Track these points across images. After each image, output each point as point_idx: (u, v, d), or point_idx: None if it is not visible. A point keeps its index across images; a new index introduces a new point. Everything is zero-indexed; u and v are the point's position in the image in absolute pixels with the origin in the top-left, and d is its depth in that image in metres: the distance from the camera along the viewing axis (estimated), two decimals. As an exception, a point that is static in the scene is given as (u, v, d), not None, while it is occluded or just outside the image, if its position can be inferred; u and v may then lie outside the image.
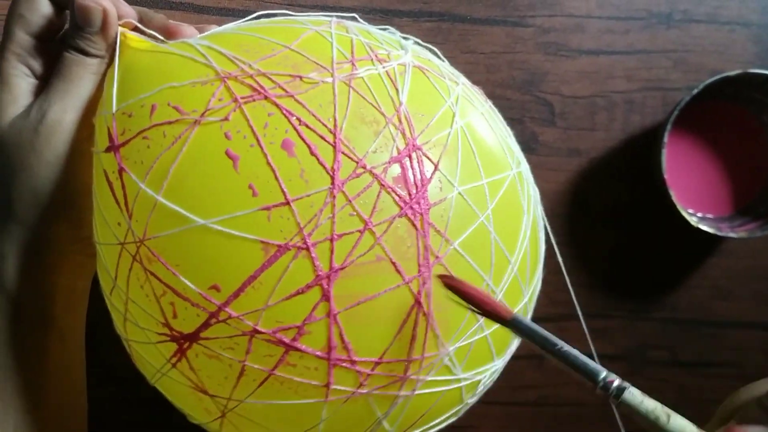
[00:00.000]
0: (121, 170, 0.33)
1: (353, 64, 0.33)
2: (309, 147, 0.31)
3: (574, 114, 0.55)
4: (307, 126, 0.31)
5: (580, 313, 0.43)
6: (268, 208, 0.30)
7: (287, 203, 0.30)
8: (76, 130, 0.36)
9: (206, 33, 0.36)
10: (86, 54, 0.36)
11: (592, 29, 0.55)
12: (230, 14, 0.51)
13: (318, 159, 0.31)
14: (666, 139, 0.50)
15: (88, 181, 0.36)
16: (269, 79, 0.32)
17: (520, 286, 0.36)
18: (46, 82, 0.37)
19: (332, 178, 0.30)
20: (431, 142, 0.33)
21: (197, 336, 0.32)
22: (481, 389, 0.37)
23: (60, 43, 0.37)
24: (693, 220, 0.51)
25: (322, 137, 0.31)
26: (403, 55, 0.35)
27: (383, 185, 0.31)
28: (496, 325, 0.35)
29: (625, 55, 0.55)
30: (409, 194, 0.31)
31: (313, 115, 0.31)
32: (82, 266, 0.39)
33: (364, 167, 0.31)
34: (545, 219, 0.41)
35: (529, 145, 0.54)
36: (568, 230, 0.55)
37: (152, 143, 0.32)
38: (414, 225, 0.31)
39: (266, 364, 0.31)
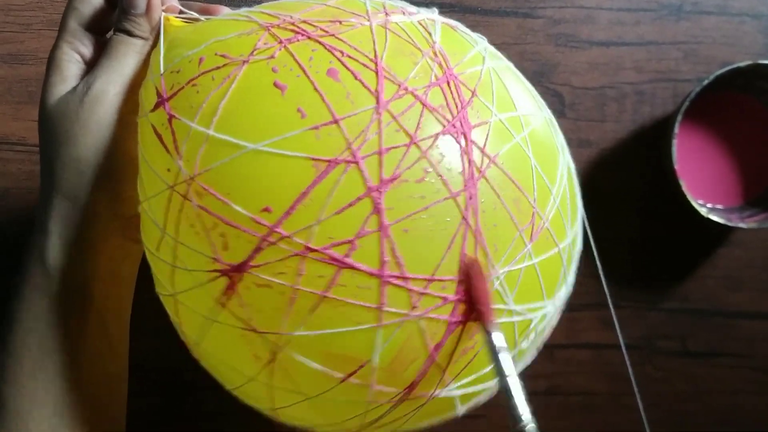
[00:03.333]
0: (171, 118, 0.34)
1: (387, 14, 0.36)
2: (353, 73, 0.32)
3: (584, 105, 0.56)
4: (350, 57, 0.33)
5: (610, 301, 0.43)
6: (317, 128, 0.31)
7: (335, 122, 0.31)
8: (119, 101, 0.38)
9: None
10: (131, 35, 0.38)
11: (602, 20, 0.56)
12: (245, 4, 0.53)
13: (362, 83, 0.32)
14: (676, 129, 0.51)
15: (129, 152, 0.37)
16: (310, 24, 0.34)
17: (562, 220, 0.36)
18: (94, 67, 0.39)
19: (377, 98, 0.32)
20: (466, 73, 0.34)
21: (247, 265, 0.32)
22: (532, 337, 0.36)
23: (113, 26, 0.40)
24: (703, 211, 0.51)
25: (364, 65, 0.33)
26: (432, 13, 0.38)
27: (425, 105, 0.32)
28: (543, 256, 0.35)
29: (636, 47, 0.56)
30: (451, 115, 0.33)
31: (355, 49, 0.33)
32: (124, 250, 0.40)
33: (406, 89, 0.32)
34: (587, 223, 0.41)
35: (539, 136, 0.55)
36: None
37: (201, 88, 0.33)
38: (458, 142, 0.32)
39: (318, 287, 0.31)
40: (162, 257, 0.35)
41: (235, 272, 0.32)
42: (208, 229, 0.32)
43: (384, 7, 0.36)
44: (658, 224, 0.57)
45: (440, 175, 0.32)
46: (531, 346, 0.37)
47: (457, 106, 0.33)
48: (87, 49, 0.40)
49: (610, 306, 0.42)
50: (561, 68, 0.56)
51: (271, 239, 0.31)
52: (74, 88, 0.38)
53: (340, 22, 0.34)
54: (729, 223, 0.52)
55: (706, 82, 0.51)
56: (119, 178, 0.38)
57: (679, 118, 0.51)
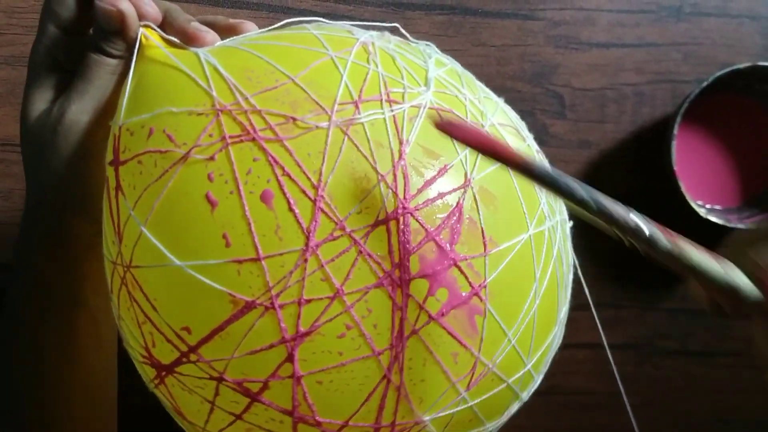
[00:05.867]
0: (117, 189, 0.32)
1: (357, 106, 0.30)
2: (288, 202, 0.29)
3: (584, 106, 0.55)
4: (289, 177, 0.29)
5: (591, 303, 0.42)
6: (239, 261, 0.29)
7: (258, 259, 0.29)
8: (92, 130, 0.36)
9: (223, 43, 0.35)
10: (107, 54, 0.35)
11: (602, 22, 0.56)
12: (269, 9, 0.49)
13: (295, 216, 0.29)
14: (676, 131, 0.51)
15: (103, 181, 0.36)
16: (262, 117, 0.30)
17: (520, 357, 0.33)
18: (72, 75, 0.37)
19: (307, 238, 0.29)
20: (428, 203, 0.30)
21: (172, 369, 0.32)
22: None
23: (88, 41, 0.37)
24: (702, 211, 0.52)
25: (303, 191, 0.29)
26: (423, 93, 0.32)
27: (361, 251, 0.29)
28: (485, 396, 0.32)
29: (636, 48, 0.56)
30: (390, 263, 0.29)
31: (299, 166, 0.29)
32: None
33: (343, 230, 0.29)
34: (578, 268, 0.37)
35: (539, 137, 0.55)
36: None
37: (144, 170, 0.31)
38: (390, 297, 0.29)
39: (233, 409, 0.31)
40: (114, 313, 0.35)
41: (161, 369, 0.32)
42: (140, 322, 0.32)
43: (361, 89, 0.31)
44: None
45: (363, 333, 0.29)
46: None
47: (400, 253, 0.29)
48: (65, 55, 0.37)
49: (592, 306, 0.43)
50: (561, 69, 0.55)
51: (191, 358, 0.31)
52: (49, 110, 0.36)
53: (295, 121, 0.30)
54: (727, 224, 0.52)
55: (705, 83, 0.51)
56: (95, 202, 0.37)
57: (679, 119, 0.51)
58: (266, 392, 0.30)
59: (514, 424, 0.56)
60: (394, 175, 0.30)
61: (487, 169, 0.32)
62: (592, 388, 0.56)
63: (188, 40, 0.35)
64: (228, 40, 0.35)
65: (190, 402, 0.32)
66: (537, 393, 0.55)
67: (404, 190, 0.30)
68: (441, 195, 0.30)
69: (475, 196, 0.31)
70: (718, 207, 0.56)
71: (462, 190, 0.31)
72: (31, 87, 0.37)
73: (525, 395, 0.35)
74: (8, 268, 0.52)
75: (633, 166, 0.56)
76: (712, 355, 0.57)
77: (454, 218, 0.30)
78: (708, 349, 0.57)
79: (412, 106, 0.31)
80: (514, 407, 0.35)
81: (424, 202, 0.30)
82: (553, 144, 0.55)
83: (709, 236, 0.54)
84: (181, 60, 0.33)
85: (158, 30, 0.35)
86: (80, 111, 0.36)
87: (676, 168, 0.51)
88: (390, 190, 0.29)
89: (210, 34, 0.35)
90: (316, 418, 0.30)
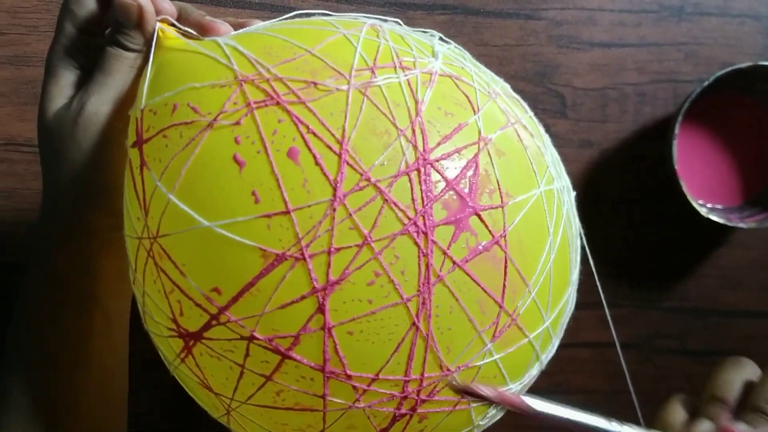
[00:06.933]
0: (142, 166, 0.33)
1: (373, 72, 0.32)
2: (314, 156, 0.30)
3: (585, 106, 0.56)
4: (314, 134, 0.30)
5: (604, 302, 0.44)
6: (268, 216, 0.30)
7: (287, 212, 0.30)
8: (112, 121, 0.37)
9: (239, 31, 0.37)
10: (125, 48, 0.37)
11: (604, 22, 0.56)
12: (272, 9, 0.52)
13: (322, 169, 0.30)
14: (677, 130, 0.51)
15: (123, 172, 0.37)
16: (284, 84, 0.32)
17: (539, 309, 0.34)
18: (89, 74, 0.38)
19: (334, 189, 0.30)
20: (446, 157, 0.31)
21: (201, 335, 0.32)
22: (493, 412, 0.36)
23: (106, 38, 0.38)
24: (703, 211, 0.52)
25: (328, 147, 0.30)
26: (431, 63, 0.34)
27: (386, 200, 0.30)
28: (509, 349, 0.33)
29: (637, 48, 0.56)
30: (415, 210, 0.30)
31: (323, 124, 0.31)
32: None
33: (368, 180, 0.30)
34: (583, 237, 0.39)
35: (541, 137, 0.54)
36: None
37: (170, 142, 0.33)
38: (416, 243, 0.30)
39: (264, 370, 0.31)
40: (136, 294, 0.36)
41: (189, 338, 0.33)
42: (167, 291, 0.33)
43: (375, 57, 0.33)
44: (658, 224, 0.57)
45: (392, 280, 0.30)
46: (491, 419, 0.36)
47: (423, 201, 0.30)
48: (83, 55, 0.39)
49: (605, 305, 0.44)
50: (563, 69, 0.56)
51: (221, 320, 0.31)
52: (69, 105, 0.37)
53: (316, 85, 0.32)
54: (728, 223, 0.52)
55: (706, 83, 0.51)
56: (116, 196, 0.38)
57: (680, 118, 0.51)
58: (297, 347, 0.31)
59: (515, 422, 0.56)
60: (413, 130, 0.31)
61: (498, 130, 0.34)
62: (594, 387, 0.57)
63: (204, 31, 0.37)
64: (241, 30, 0.37)
65: (218, 369, 0.33)
66: (539, 391, 0.55)
67: (423, 143, 0.31)
68: (457, 150, 0.32)
69: (489, 152, 0.32)
70: (719, 206, 0.56)
71: (476, 145, 0.32)
72: (48, 85, 0.39)
73: (544, 358, 0.36)
74: (11, 267, 0.51)
75: (634, 166, 0.57)
76: (712, 353, 0.57)
77: (471, 171, 0.32)
78: (708, 348, 0.57)
79: (423, 72, 0.33)
80: (535, 369, 0.36)
81: (442, 155, 0.31)
82: (554, 144, 0.53)
83: (711, 236, 0.57)
84: (202, 45, 0.35)
85: (176, 23, 0.37)
86: (100, 102, 0.37)
87: (677, 167, 0.51)
88: (410, 144, 0.31)
89: (224, 25, 0.38)
90: (347, 371, 0.31)
